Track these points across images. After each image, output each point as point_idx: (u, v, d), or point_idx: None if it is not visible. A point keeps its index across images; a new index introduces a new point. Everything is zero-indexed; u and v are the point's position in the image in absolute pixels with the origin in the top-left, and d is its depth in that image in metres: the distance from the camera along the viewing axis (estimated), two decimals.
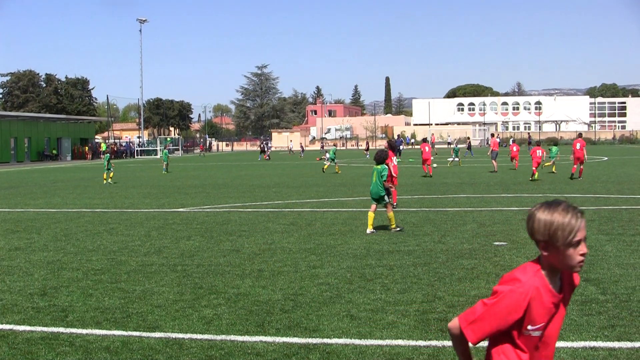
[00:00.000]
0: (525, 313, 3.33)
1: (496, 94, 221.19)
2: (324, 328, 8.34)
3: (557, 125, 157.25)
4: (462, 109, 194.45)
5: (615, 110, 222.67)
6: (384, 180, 16.42)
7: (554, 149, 39.67)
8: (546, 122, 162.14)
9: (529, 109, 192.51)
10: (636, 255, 12.66)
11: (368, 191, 28.07)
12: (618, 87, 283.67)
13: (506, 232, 15.90)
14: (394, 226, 16.41)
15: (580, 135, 37.09)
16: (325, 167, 45.79)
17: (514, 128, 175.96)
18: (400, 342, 7.77)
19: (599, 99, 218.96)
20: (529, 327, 3.35)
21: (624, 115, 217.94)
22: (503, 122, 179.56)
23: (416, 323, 8.48)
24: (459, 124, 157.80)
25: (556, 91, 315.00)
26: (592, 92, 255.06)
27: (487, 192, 26.92)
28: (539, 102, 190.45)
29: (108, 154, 38.84)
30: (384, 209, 17.03)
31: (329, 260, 12.73)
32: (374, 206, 16.50)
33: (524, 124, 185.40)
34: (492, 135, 49.88)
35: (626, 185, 29.23)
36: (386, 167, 16.63)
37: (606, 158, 60.97)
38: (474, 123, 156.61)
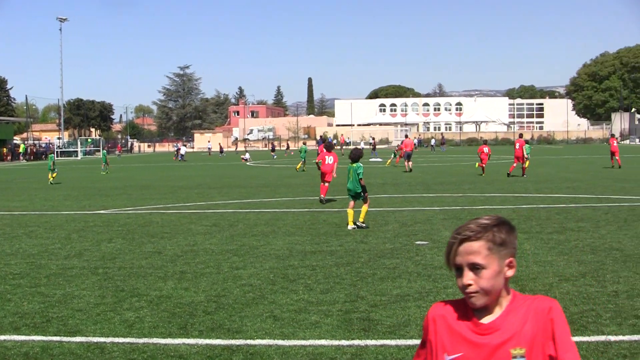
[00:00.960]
0: (432, 336, 2.96)
1: (418, 95, 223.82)
2: (247, 329, 8.35)
3: (477, 126, 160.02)
4: (384, 110, 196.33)
5: (533, 111, 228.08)
6: (361, 178, 17.11)
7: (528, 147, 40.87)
8: (467, 122, 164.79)
9: (449, 110, 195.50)
10: (553, 253, 13.01)
11: (291, 192, 28.29)
12: (536, 88, 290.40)
13: (427, 232, 16.14)
14: (362, 220, 16.96)
15: (520, 135, 38.45)
16: (298, 166, 46.84)
17: (435, 129, 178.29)
18: (323, 342, 7.82)
19: (518, 100, 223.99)
20: (446, 356, 2.88)
21: (542, 116, 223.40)
22: (424, 122, 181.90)
23: (339, 323, 8.55)
24: (381, 124, 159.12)
25: (476, 92, 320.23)
26: (511, 94, 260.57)
27: (409, 192, 27.26)
28: (459, 103, 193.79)
29: (52, 155, 38.76)
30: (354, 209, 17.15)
31: (251, 262, 12.72)
32: (352, 203, 17.25)
33: (445, 124, 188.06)
34: (406, 136, 50.41)
35: (544, 184, 29.97)
36: (361, 165, 17.30)
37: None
38: (395, 124, 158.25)
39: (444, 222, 17.86)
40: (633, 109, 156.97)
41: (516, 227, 2.96)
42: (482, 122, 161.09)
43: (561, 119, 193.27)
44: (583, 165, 47.40)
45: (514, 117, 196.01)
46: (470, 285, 2.81)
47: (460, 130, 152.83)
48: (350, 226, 16.85)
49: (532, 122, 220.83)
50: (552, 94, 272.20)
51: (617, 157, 42.66)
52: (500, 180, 32.66)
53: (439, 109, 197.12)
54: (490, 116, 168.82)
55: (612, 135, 45.28)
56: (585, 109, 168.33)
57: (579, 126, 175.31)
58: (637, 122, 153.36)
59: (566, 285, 10.34)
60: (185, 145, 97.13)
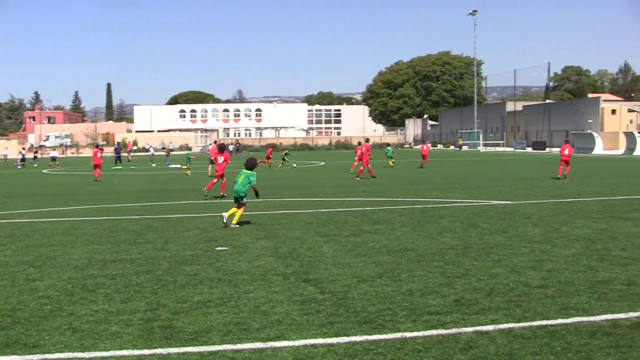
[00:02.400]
0: None
1: (218, 101, 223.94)
2: (45, 343, 8.07)
3: (277, 132, 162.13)
4: (184, 116, 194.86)
5: (331, 117, 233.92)
6: (254, 185, 18.31)
7: (389, 149, 49.34)
8: (266, 128, 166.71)
9: (249, 116, 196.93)
10: (351, 255, 13.46)
11: (89, 200, 27.50)
12: (334, 95, 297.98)
13: (228, 237, 16.22)
14: (235, 222, 18.04)
15: (367, 140, 42.09)
16: (184, 168, 48.56)
17: (235, 134, 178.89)
18: (124, 352, 7.70)
19: (317, 107, 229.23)
20: None
21: (340, 122, 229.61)
22: (225, 128, 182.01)
23: (140, 332, 8.45)
24: (181, 130, 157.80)
25: (276, 98, 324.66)
26: (310, 100, 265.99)
27: (209, 198, 27.23)
28: (259, 109, 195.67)
29: None
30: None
31: (49, 273, 12.29)
32: (243, 207, 18.35)
33: (245, 130, 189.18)
34: (215, 142, 51.18)
35: (341, 188, 30.87)
36: (254, 173, 18.46)
37: (323, 163, 63.93)
38: (195, 130, 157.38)
39: (243, 227, 18.01)
40: (425, 116, 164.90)
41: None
42: (281, 127, 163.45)
43: (358, 124, 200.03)
44: (379, 169, 49.18)
45: (312, 123, 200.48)
46: None
47: (260, 135, 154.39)
48: (225, 216, 18.06)
49: (331, 128, 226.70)
50: (349, 101, 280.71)
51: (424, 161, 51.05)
52: (298, 185, 33.29)
53: (239, 115, 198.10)
54: (290, 122, 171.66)
55: (424, 141, 48.59)
56: (381, 115, 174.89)
57: (375, 131, 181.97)
58: (429, 128, 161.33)
59: (364, 285, 10.74)
60: None
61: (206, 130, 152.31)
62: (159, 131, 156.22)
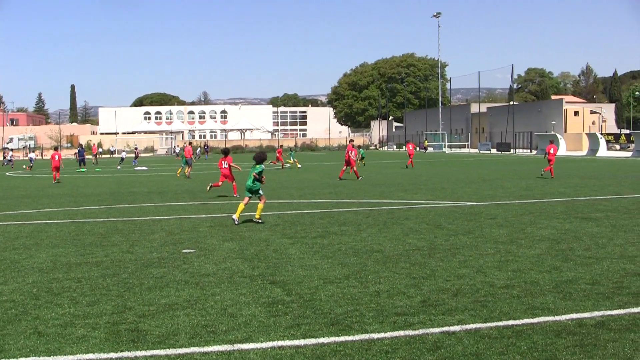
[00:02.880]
0: None
1: (183, 103, 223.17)
2: (10, 347, 7.98)
3: (242, 134, 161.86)
4: (149, 118, 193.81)
5: (297, 119, 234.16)
6: (261, 178, 18.91)
7: (362, 151, 51.50)
8: (232, 130, 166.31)
9: (215, 118, 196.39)
10: (318, 257, 13.48)
11: (53, 203, 27.22)
12: (299, 97, 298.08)
13: (194, 239, 16.17)
14: (258, 217, 18.97)
15: (351, 141, 42.19)
16: (179, 171, 47.10)
17: (200, 136, 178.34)
18: (91, 355, 7.65)
19: (282, 108, 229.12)
20: None
21: (305, 123, 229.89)
22: (190, 130, 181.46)
23: (107, 335, 8.39)
24: (146, 132, 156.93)
25: (241, 100, 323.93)
26: (275, 102, 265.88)
27: (174, 200, 27.13)
28: (224, 111, 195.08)
29: None
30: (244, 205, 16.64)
31: (13, 276, 12.15)
32: (247, 199, 19.15)
33: (210, 132, 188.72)
34: (190, 143, 51.36)
35: (307, 190, 30.91)
36: (262, 167, 19.03)
37: (289, 165, 63.87)
38: (160, 132, 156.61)
39: (210, 229, 17.97)
40: (390, 117, 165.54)
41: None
42: (247, 129, 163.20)
43: (323, 126, 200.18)
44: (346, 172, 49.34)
45: (278, 125, 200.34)
46: None
47: (225, 138, 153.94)
48: (236, 218, 18.69)
49: (296, 130, 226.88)
50: (314, 102, 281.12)
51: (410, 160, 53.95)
52: (264, 187, 33.23)
53: (204, 117, 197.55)
54: (255, 124, 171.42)
55: (408, 141, 48.97)
56: (346, 117, 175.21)
57: (341, 133, 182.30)
58: (394, 130, 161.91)
59: (331, 287, 10.77)
60: None
61: (171, 132, 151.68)
62: (123, 133, 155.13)
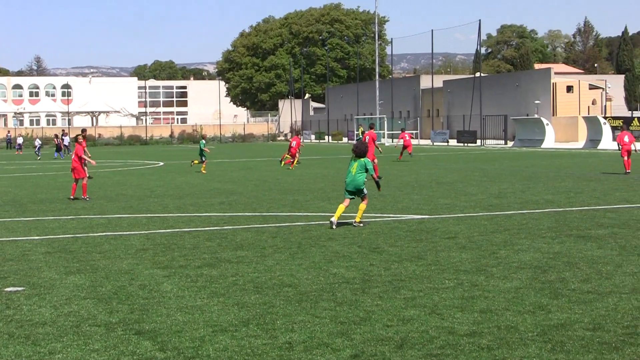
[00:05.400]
0: None
1: (5, 73, 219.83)
2: None
3: (95, 118, 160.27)
4: None
5: (173, 97, 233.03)
6: (372, 174, 22.21)
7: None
8: (78, 113, 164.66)
9: (53, 95, 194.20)
10: (204, 295, 13.41)
11: None
12: (176, 65, 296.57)
13: (23, 272, 15.93)
14: (358, 220, 22.09)
15: (371, 127, 46.50)
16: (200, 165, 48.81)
17: (33, 122, 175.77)
18: None
19: (152, 82, 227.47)
20: None
21: (185, 104, 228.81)
22: (16, 113, 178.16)
23: None
24: None
25: (92, 70, 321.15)
26: (141, 73, 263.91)
27: None
28: (67, 86, 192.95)
29: None
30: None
31: None
32: (347, 201, 22.07)
33: (47, 115, 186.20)
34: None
35: (188, 199, 30.75)
36: (369, 160, 22.29)
37: (161, 163, 63.52)
38: None
39: (47, 257, 17.75)
40: (307, 95, 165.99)
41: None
42: (100, 112, 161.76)
43: (211, 108, 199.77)
44: (243, 171, 49.22)
45: (146, 106, 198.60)
46: None
47: (69, 124, 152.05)
48: (335, 220, 21.52)
49: (172, 113, 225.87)
50: (198, 74, 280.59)
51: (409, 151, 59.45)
52: (126, 195, 32.95)
53: (37, 94, 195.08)
54: (113, 104, 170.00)
55: (403, 129, 49.71)
56: (244, 95, 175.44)
57: (236, 118, 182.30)
58: (312, 113, 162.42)
59: (223, 338, 10.73)
60: None
61: None
62: None
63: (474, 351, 9.92)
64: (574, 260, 16.15)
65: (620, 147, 41.58)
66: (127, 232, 21.45)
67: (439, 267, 15.57)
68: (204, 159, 48.87)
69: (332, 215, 21.67)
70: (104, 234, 21.43)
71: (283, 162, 52.79)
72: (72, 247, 19.05)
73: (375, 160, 38.95)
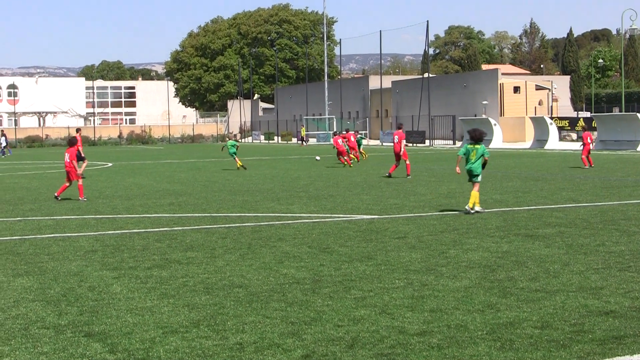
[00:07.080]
0: None
1: None
2: None
3: (42, 119, 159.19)
4: None
5: (121, 97, 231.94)
6: (487, 157, 24.41)
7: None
8: (25, 114, 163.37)
9: None
10: (154, 296, 13.36)
11: None
12: (124, 66, 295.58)
13: None
14: (476, 204, 23.90)
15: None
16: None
17: None
18: None
19: (99, 82, 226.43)
20: None
21: (134, 104, 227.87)
22: None
23: None
24: None
25: (39, 70, 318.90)
26: (89, 73, 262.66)
27: None
28: (13, 86, 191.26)
29: None
30: None
31: None
32: (477, 185, 24.04)
33: None
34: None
35: (138, 200, 30.60)
36: (484, 146, 24.27)
37: (110, 164, 63.22)
38: None
39: None
40: (256, 96, 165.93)
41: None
42: (48, 112, 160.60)
43: (160, 108, 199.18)
44: (192, 172, 49.06)
45: (94, 106, 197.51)
46: None
47: (15, 125, 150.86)
48: (477, 208, 23.76)
49: (121, 114, 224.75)
50: (147, 74, 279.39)
51: (357, 151, 57.79)
52: (73, 196, 32.74)
53: None
54: (60, 105, 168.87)
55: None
56: (193, 95, 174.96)
57: (185, 119, 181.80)
58: (261, 114, 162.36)
59: (174, 339, 10.69)
60: None
61: None
62: None
63: (424, 350, 9.96)
64: (522, 259, 16.26)
65: (584, 145, 44.69)
66: (76, 234, 21.33)
67: (389, 267, 15.62)
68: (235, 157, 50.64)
69: (285, 215, 21.63)
70: (52, 235, 21.28)
71: (353, 160, 54.56)
72: (19, 249, 18.90)
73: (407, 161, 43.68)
